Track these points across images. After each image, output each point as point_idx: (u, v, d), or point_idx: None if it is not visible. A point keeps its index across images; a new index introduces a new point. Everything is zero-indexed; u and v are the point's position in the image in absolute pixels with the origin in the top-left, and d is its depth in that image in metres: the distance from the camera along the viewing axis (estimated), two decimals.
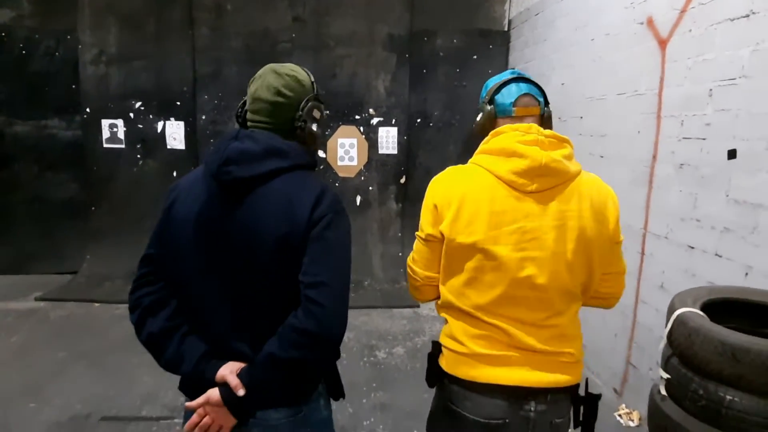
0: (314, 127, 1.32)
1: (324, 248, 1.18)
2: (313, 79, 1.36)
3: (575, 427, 1.50)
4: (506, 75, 1.52)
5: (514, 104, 1.44)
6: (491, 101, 1.48)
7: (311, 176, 1.28)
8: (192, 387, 1.26)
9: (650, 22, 3.03)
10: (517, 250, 1.33)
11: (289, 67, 1.32)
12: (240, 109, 1.35)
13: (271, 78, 1.28)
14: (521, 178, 1.33)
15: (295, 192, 1.21)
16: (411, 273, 1.54)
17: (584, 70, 3.84)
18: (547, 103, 1.50)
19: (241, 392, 1.16)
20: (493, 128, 1.45)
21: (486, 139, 1.45)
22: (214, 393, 1.19)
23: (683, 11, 2.75)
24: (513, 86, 1.47)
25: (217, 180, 1.22)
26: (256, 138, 1.23)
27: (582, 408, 1.48)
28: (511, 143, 1.35)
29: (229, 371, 1.19)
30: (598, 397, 1.47)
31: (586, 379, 1.49)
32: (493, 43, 5.65)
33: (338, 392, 1.40)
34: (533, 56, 4.88)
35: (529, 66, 4.99)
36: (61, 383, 3.38)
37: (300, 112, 1.30)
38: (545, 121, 1.46)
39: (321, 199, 1.21)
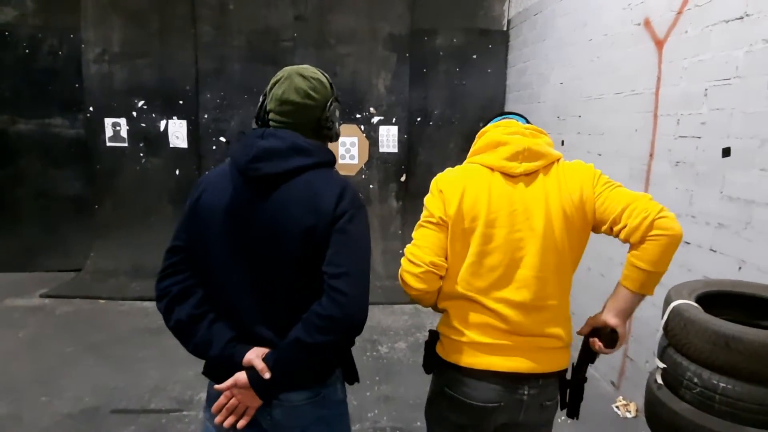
0: (337, 126, 1.43)
1: (347, 241, 1.26)
2: (331, 80, 1.44)
3: (562, 408, 1.60)
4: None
5: (496, 124, 1.62)
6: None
7: (333, 173, 1.36)
8: (217, 371, 1.34)
9: (647, 23, 3.09)
10: (513, 231, 1.46)
11: (311, 70, 1.40)
12: (259, 110, 1.41)
13: (299, 81, 1.35)
14: (509, 161, 1.48)
15: (320, 187, 1.29)
16: (412, 260, 1.48)
17: (583, 69, 3.90)
18: (527, 122, 1.66)
19: (267, 375, 1.24)
20: None
21: (474, 143, 1.61)
22: (241, 376, 1.27)
23: (680, 13, 2.82)
24: (496, 118, 1.68)
25: (245, 176, 1.29)
26: (280, 136, 1.31)
27: (569, 391, 1.58)
28: (496, 136, 1.53)
29: (255, 355, 1.27)
30: (584, 380, 1.57)
31: (572, 364, 1.59)
32: (493, 42, 5.71)
33: (353, 377, 1.49)
34: (532, 55, 4.95)
35: (528, 65, 5.05)
36: (70, 377, 3.44)
37: (327, 113, 1.38)
38: None
39: (343, 194, 1.29)
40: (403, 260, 1.52)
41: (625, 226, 1.36)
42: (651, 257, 1.33)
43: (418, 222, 1.54)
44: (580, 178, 1.48)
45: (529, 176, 1.49)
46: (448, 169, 1.58)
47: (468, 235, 1.47)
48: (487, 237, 1.46)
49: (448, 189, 1.50)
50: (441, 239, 1.49)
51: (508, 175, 1.49)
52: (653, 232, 1.32)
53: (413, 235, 1.55)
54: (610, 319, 1.43)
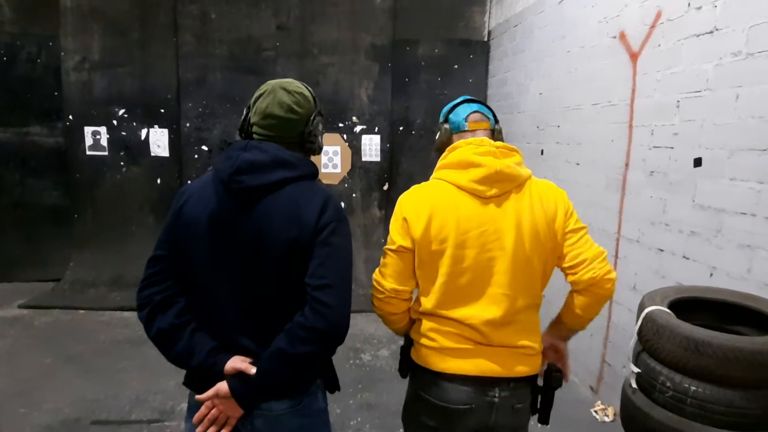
0: (320, 139, 1.45)
1: (330, 253, 1.28)
2: (314, 94, 1.46)
3: (533, 414, 1.64)
4: (459, 99, 1.69)
5: (466, 119, 1.61)
6: (446, 120, 1.65)
7: (315, 185, 1.38)
8: (198, 381, 1.34)
9: (622, 36, 3.18)
10: (483, 251, 1.48)
11: (295, 84, 1.42)
12: (243, 123, 1.43)
13: (282, 95, 1.37)
14: (481, 185, 1.48)
15: (303, 200, 1.31)
16: (376, 286, 1.60)
17: (561, 80, 3.99)
18: (496, 120, 1.66)
19: (252, 371, 1.26)
20: (451, 144, 1.61)
21: (444, 155, 1.60)
22: (222, 386, 1.28)
23: (653, 26, 2.90)
24: (464, 105, 1.65)
25: (229, 188, 1.31)
26: (264, 149, 1.33)
27: (540, 396, 1.64)
28: (467, 155, 1.51)
29: (240, 360, 1.29)
30: (555, 387, 1.61)
31: (544, 370, 1.64)
32: (474, 52, 5.80)
33: (334, 385, 1.51)
34: (512, 66, 5.04)
35: (508, 75, 5.14)
36: (49, 388, 3.40)
37: (310, 127, 1.41)
38: (496, 135, 1.63)
39: (326, 207, 1.31)
40: (373, 281, 1.63)
41: (577, 278, 1.53)
42: (586, 307, 1.58)
43: (385, 245, 1.60)
44: (555, 203, 1.54)
45: (500, 197, 1.50)
46: (415, 188, 1.59)
47: (437, 256, 1.50)
48: (458, 258, 1.48)
49: (412, 214, 1.52)
50: (405, 265, 1.56)
51: (478, 197, 1.50)
52: (595, 289, 1.53)
53: (381, 259, 1.62)
54: (558, 342, 1.69)
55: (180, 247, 1.36)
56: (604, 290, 1.54)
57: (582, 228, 1.57)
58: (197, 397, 1.32)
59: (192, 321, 1.35)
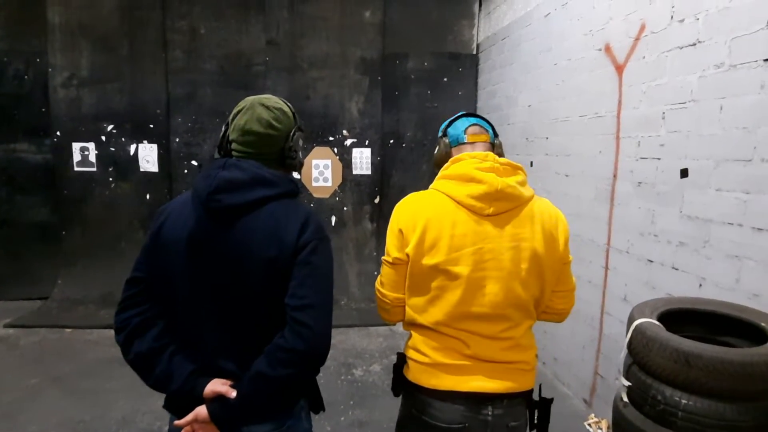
0: (301, 155, 1.43)
1: (310, 273, 1.26)
2: (293, 110, 1.45)
3: (530, 429, 1.61)
4: (457, 114, 1.69)
5: (465, 132, 1.60)
6: (445, 134, 1.65)
7: (296, 203, 1.36)
8: (179, 405, 1.31)
9: (608, 49, 3.21)
10: (477, 269, 1.45)
11: (274, 100, 1.41)
12: (222, 140, 1.41)
13: (261, 111, 1.35)
14: (479, 202, 1.45)
15: (282, 219, 1.28)
16: (380, 296, 1.63)
17: (549, 92, 4.01)
18: (496, 135, 1.65)
19: (233, 395, 1.23)
20: (449, 157, 1.59)
21: (446, 165, 1.57)
22: (202, 410, 1.25)
23: (637, 39, 2.93)
24: (463, 119, 1.64)
25: (207, 207, 1.28)
26: (243, 167, 1.30)
27: (536, 411, 1.60)
28: (469, 169, 1.47)
29: (221, 384, 1.26)
30: (550, 401, 1.59)
31: (540, 385, 1.62)
32: (463, 65, 5.83)
33: (319, 406, 1.49)
34: (501, 78, 5.07)
35: (497, 88, 5.17)
36: (35, 410, 3.33)
37: (290, 143, 1.39)
38: (496, 149, 1.61)
39: (306, 225, 1.29)
40: (376, 291, 1.66)
41: (551, 303, 1.62)
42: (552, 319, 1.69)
43: (383, 256, 1.60)
44: (557, 229, 1.52)
45: (498, 216, 1.46)
46: (412, 198, 1.57)
47: (429, 270, 1.47)
48: (449, 274, 1.45)
49: (407, 226, 1.50)
50: (400, 276, 1.56)
51: (476, 213, 1.46)
52: (552, 315, 1.66)
53: (381, 268, 1.63)
54: None
55: (159, 269, 1.33)
56: (561, 318, 1.68)
57: (570, 261, 1.60)
58: (176, 422, 1.29)
59: (171, 344, 1.33)
